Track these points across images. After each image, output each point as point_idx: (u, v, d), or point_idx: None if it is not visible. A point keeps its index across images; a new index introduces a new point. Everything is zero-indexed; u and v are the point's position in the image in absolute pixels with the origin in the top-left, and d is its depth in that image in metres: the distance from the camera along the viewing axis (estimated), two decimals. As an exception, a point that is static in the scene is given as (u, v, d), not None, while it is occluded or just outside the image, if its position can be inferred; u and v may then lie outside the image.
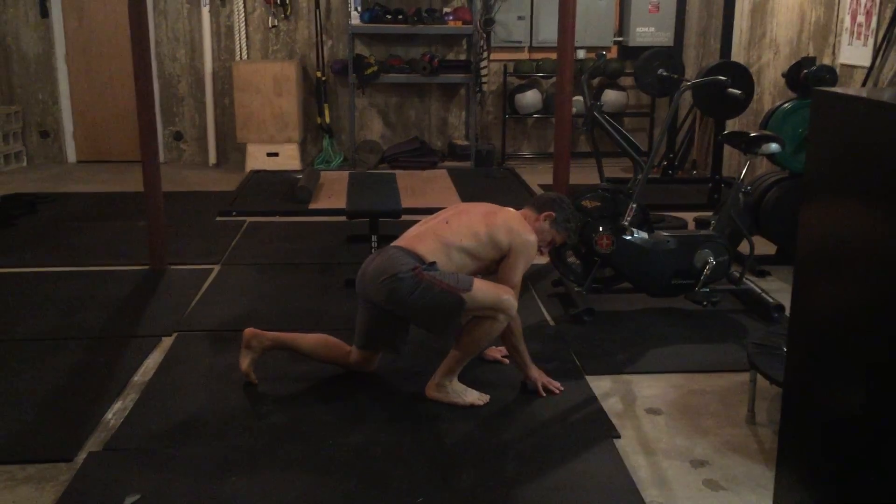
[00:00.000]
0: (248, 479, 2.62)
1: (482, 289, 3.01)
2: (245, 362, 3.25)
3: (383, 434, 2.93)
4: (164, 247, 4.82)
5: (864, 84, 4.99)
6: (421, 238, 3.14)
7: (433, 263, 3.03)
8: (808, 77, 4.77)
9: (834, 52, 5.52)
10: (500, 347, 3.43)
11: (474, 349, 3.11)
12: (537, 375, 3.23)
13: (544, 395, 3.20)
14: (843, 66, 5.35)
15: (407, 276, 2.97)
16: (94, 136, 8.18)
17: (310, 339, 3.33)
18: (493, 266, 3.18)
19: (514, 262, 3.11)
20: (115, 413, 3.07)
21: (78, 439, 2.86)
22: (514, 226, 3.15)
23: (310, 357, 3.34)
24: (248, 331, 3.28)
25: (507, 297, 3.03)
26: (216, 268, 4.84)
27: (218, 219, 5.99)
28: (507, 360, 3.44)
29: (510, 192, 6.77)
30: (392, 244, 3.17)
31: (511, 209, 3.28)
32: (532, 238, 3.16)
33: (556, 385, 3.24)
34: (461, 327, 3.13)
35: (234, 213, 6.10)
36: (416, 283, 2.97)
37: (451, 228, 3.16)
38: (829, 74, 4.78)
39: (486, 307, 3.01)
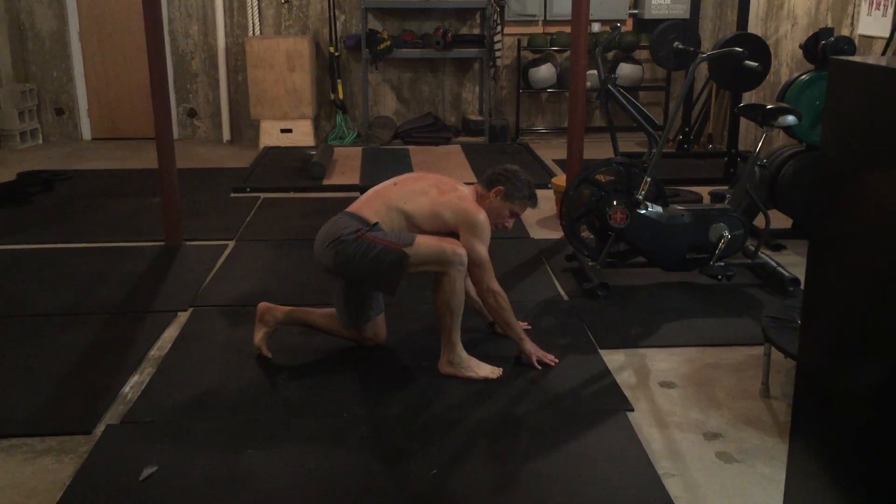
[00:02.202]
0: (264, 451, 2.65)
1: (424, 243, 3.01)
2: (259, 336, 3.27)
3: (397, 407, 2.95)
4: (179, 223, 4.85)
5: (883, 55, 4.92)
6: (367, 201, 3.18)
7: (376, 224, 3.06)
8: (826, 48, 4.70)
9: (852, 23, 5.44)
10: (521, 322, 3.42)
11: (451, 309, 3.07)
12: (532, 349, 3.23)
13: (539, 368, 3.20)
14: (861, 36, 5.28)
15: (349, 239, 3.02)
16: (109, 114, 8.21)
17: (323, 314, 3.35)
18: (446, 234, 3.12)
19: (468, 240, 3.07)
20: (133, 387, 3.11)
21: (96, 412, 2.90)
22: (459, 205, 3.11)
23: (323, 331, 3.36)
24: (262, 305, 3.30)
25: (452, 247, 3.00)
26: (231, 244, 4.86)
27: (232, 195, 6.01)
28: (526, 326, 3.45)
29: (524, 167, 6.72)
30: (341, 211, 3.20)
31: (462, 188, 3.23)
32: (481, 216, 3.10)
33: (550, 358, 3.24)
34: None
35: (248, 190, 6.11)
36: (359, 245, 3.01)
37: (397, 191, 3.18)
38: (848, 45, 4.71)
39: (431, 261, 3.01)
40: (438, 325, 3.14)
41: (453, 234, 3.12)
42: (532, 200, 3.31)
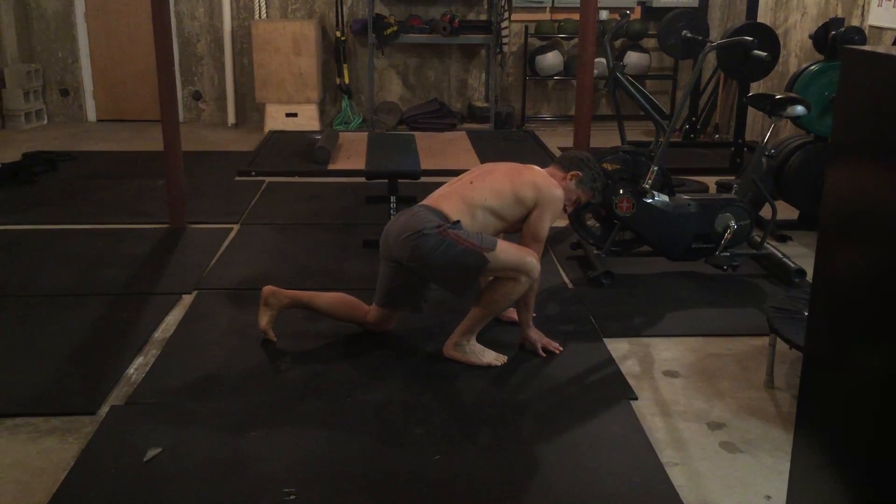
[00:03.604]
0: (268, 433, 2.66)
1: (505, 249, 3.01)
2: (264, 320, 3.27)
3: (401, 392, 2.95)
4: (183, 206, 4.84)
5: (894, 44, 4.89)
6: (446, 197, 3.14)
7: (457, 222, 3.03)
8: (835, 39, 4.67)
9: (863, 14, 5.40)
10: None
11: (494, 310, 3.12)
12: (536, 336, 3.24)
13: (543, 355, 3.20)
14: (871, 27, 5.24)
15: (431, 233, 2.97)
16: (114, 95, 8.19)
17: (328, 298, 3.35)
18: (518, 225, 3.17)
19: (540, 215, 3.10)
20: (137, 368, 3.11)
21: (101, 393, 2.91)
22: (539, 181, 3.14)
23: (327, 315, 3.36)
24: (267, 288, 3.30)
25: (531, 258, 3.02)
26: (235, 227, 4.86)
27: (237, 178, 6.00)
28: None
29: (530, 154, 6.72)
30: (417, 204, 3.16)
31: (536, 167, 3.26)
32: (559, 192, 3.15)
33: (555, 345, 3.25)
34: (480, 288, 3.13)
35: (253, 173, 6.10)
36: (440, 241, 2.97)
37: (475, 189, 3.14)
38: (858, 36, 4.68)
39: (508, 268, 3.00)
40: (470, 314, 3.12)
41: (529, 214, 3.12)
42: (601, 194, 3.41)
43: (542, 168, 3.29)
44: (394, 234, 3.10)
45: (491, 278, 3.11)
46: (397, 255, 3.09)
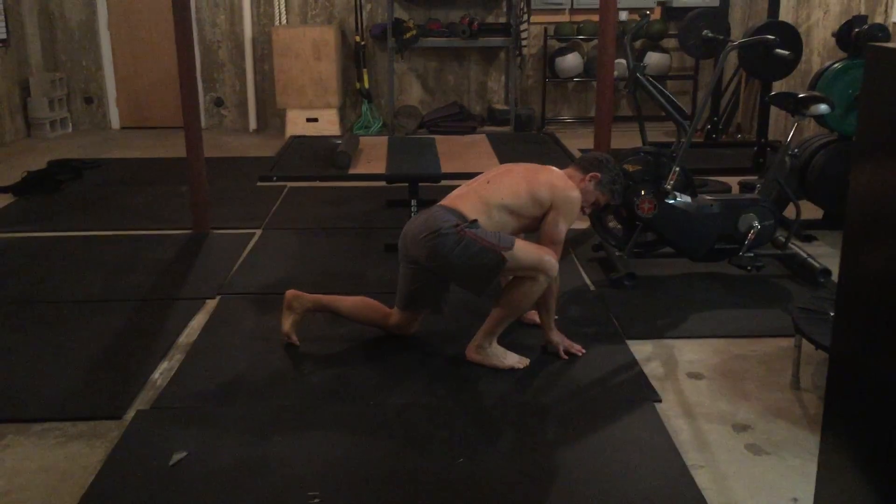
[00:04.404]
0: (292, 437, 2.67)
1: (523, 248, 3.00)
2: (287, 324, 3.29)
3: (424, 395, 2.95)
4: (206, 211, 4.88)
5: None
6: (463, 197, 3.14)
7: (475, 221, 3.03)
8: (859, 36, 4.62)
9: (886, 11, 5.34)
10: None
11: (514, 310, 3.11)
12: (559, 339, 3.23)
13: (566, 357, 3.19)
14: (896, 24, 5.18)
15: (450, 233, 2.98)
16: (137, 103, 8.27)
17: (350, 302, 3.36)
18: (536, 224, 3.16)
19: (555, 217, 3.10)
20: (162, 373, 3.14)
21: (126, 398, 2.93)
22: (556, 182, 3.13)
23: (350, 319, 3.37)
24: (290, 293, 3.31)
25: (549, 257, 3.02)
26: (258, 232, 4.88)
27: (259, 184, 5.98)
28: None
29: (550, 156, 6.68)
30: (435, 204, 3.17)
31: (554, 168, 3.26)
32: (575, 194, 3.14)
33: (577, 348, 3.24)
34: (500, 289, 3.13)
35: (274, 179, 6.06)
36: (458, 240, 2.97)
37: (492, 188, 3.15)
38: (882, 33, 4.63)
39: (526, 267, 3.00)
40: (491, 316, 3.12)
41: (546, 214, 3.12)
42: (619, 196, 3.38)
43: (560, 169, 3.28)
44: (412, 234, 3.11)
45: (511, 278, 3.10)
46: (416, 255, 3.09)
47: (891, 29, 4.94)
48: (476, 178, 3.30)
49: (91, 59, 8.10)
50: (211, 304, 3.79)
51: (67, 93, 8.12)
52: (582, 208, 3.24)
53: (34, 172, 6.07)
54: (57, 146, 7.35)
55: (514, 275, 3.06)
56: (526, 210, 3.12)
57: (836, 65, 4.70)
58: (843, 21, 4.91)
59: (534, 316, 3.46)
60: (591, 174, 3.26)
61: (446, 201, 3.16)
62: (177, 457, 2.54)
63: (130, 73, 8.20)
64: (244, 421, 2.78)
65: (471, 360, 3.15)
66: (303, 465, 2.52)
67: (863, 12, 5.52)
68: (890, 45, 1.87)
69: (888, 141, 1.80)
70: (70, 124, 8.16)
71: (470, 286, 3.12)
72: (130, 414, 2.83)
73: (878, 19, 5.35)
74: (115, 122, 8.28)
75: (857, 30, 4.67)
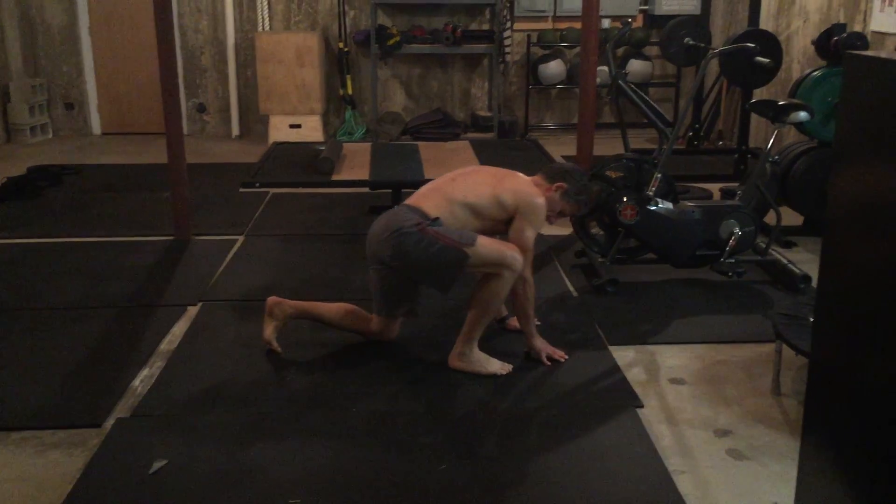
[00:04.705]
0: (273, 445, 2.65)
1: (486, 244, 3.01)
2: (268, 330, 3.27)
3: (407, 402, 2.94)
4: (188, 218, 4.85)
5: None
6: (426, 195, 3.17)
7: (437, 219, 3.05)
8: (838, 44, 4.67)
9: (865, 19, 5.40)
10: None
11: (486, 309, 3.10)
12: (541, 345, 3.23)
13: (549, 363, 3.19)
14: (874, 33, 5.24)
15: (411, 231, 3.00)
16: (119, 108, 8.22)
17: (332, 308, 3.35)
18: (500, 227, 3.17)
19: (521, 224, 3.10)
20: (143, 380, 3.11)
21: (106, 406, 2.91)
22: (521, 188, 3.14)
23: (332, 326, 3.36)
24: (272, 299, 3.30)
25: (512, 252, 3.02)
26: (240, 238, 4.86)
27: (241, 190, 5.97)
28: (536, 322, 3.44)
29: (533, 163, 6.71)
30: (399, 204, 3.18)
31: (521, 175, 3.26)
32: (540, 201, 3.14)
33: (560, 354, 3.24)
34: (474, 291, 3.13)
35: (257, 185, 6.07)
36: (420, 238, 2.99)
37: (456, 185, 3.18)
38: (860, 42, 4.68)
39: (489, 263, 3.01)
40: (467, 319, 3.13)
41: (511, 220, 3.12)
42: (586, 207, 3.40)
43: (528, 176, 3.29)
44: (376, 234, 3.14)
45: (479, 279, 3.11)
46: (381, 255, 3.11)
47: (869, 38, 4.99)
48: (443, 176, 3.31)
49: (72, 64, 8.04)
50: (192, 311, 3.76)
51: (48, 98, 8.05)
52: (548, 218, 3.24)
53: (14, 178, 6.01)
54: (37, 152, 7.29)
55: (479, 271, 3.06)
56: (487, 211, 3.13)
57: (815, 73, 4.75)
58: (823, 30, 4.96)
59: (516, 322, 3.47)
60: (557, 184, 3.25)
61: (410, 200, 3.19)
62: (157, 465, 2.52)
63: (112, 78, 8.15)
64: (225, 428, 2.76)
65: (453, 367, 3.15)
66: (284, 473, 2.50)
67: (842, 21, 5.58)
68: (868, 53, 1.89)
69: (866, 147, 1.82)
70: (51, 130, 8.09)
71: (434, 283, 3.12)
72: (110, 422, 2.81)
73: (857, 28, 5.41)
74: (96, 127, 8.22)
75: (835, 38, 4.72)
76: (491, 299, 3.08)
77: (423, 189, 3.25)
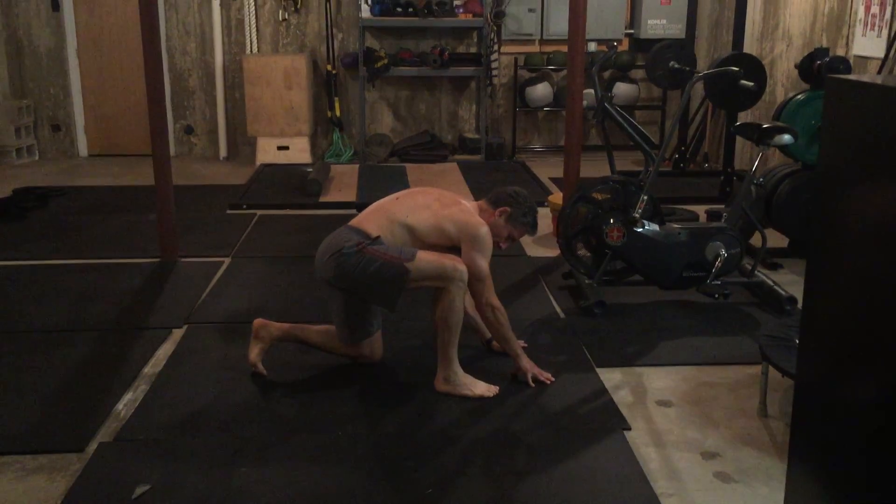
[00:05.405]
0: (258, 469, 2.62)
1: (426, 258, 3.01)
2: (254, 353, 3.25)
3: (392, 424, 2.92)
4: (174, 239, 4.83)
5: (878, 74, 4.94)
6: (369, 216, 3.18)
7: (377, 238, 3.06)
8: (821, 68, 4.73)
9: (847, 44, 5.47)
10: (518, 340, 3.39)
11: (447, 327, 3.06)
12: (528, 366, 3.22)
13: (535, 385, 3.18)
14: (856, 57, 5.31)
15: (351, 252, 3.02)
16: (106, 130, 8.21)
17: (318, 331, 3.33)
18: (443, 251, 3.13)
19: (470, 254, 3.08)
20: (126, 404, 3.08)
21: (89, 430, 2.87)
22: (462, 218, 3.12)
23: (318, 348, 3.34)
24: (258, 321, 3.28)
25: (453, 263, 3.00)
26: (227, 260, 4.84)
27: (228, 212, 6.00)
28: (522, 344, 3.43)
29: (521, 185, 6.72)
30: (343, 225, 3.21)
31: (465, 202, 3.25)
32: (483, 230, 3.11)
33: (546, 376, 3.23)
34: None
35: (244, 206, 6.10)
36: (360, 258, 3.01)
37: (398, 204, 3.19)
38: (843, 65, 4.73)
39: (432, 277, 3.01)
40: (436, 340, 3.12)
41: (455, 247, 3.11)
42: (533, 229, 3.35)
43: (471, 203, 3.29)
44: (319, 256, 3.16)
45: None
46: (325, 276, 3.12)
47: (852, 62, 5.05)
48: (388, 196, 3.32)
49: (59, 86, 8.03)
50: (178, 334, 3.74)
51: (35, 120, 8.03)
52: (497, 243, 3.24)
53: (-1, 200, 5.98)
54: (23, 174, 7.26)
55: (424, 286, 3.05)
56: (426, 237, 3.12)
57: (799, 96, 4.79)
58: (806, 54, 5.02)
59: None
60: (500, 209, 3.25)
61: (353, 221, 3.20)
62: (140, 490, 2.49)
63: (99, 100, 8.14)
64: (209, 452, 2.73)
65: (440, 391, 3.13)
66: (269, 497, 2.48)
67: (825, 45, 5.65)
68: (849, 77, 1.91)
69: (850, 169, 1.84)
70: (37, 152, 8.06)
71: (379, 301, 3.13)
72: (93, 446, 2.77)
73: (840, 52, 5.48)
74: (82, 149, 8.20)
75: (819, 62, 4.77)
76: (448, 315, 3.05)
77: (368, 209, 3.26)
